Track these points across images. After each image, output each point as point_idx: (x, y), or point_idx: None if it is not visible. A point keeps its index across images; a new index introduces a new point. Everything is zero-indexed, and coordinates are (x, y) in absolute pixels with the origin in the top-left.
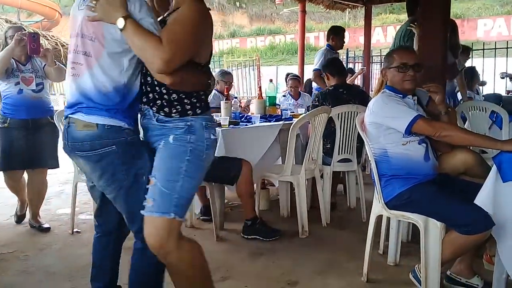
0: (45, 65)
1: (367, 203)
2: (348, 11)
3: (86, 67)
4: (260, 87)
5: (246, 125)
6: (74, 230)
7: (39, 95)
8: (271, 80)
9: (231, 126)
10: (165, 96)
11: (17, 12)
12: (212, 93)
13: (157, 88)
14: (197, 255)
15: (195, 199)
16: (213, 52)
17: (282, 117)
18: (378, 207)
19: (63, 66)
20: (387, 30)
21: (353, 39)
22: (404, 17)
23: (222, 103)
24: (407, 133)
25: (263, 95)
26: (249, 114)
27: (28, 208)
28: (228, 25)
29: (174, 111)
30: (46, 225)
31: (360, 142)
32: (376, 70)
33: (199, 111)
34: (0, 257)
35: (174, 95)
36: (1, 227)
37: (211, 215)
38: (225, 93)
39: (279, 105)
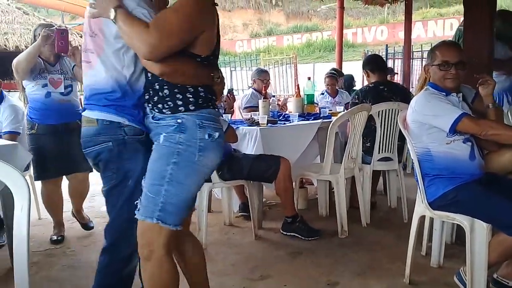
0: (74, 65)
1: (408, 203)
2: (387, 6)
3: (91, 64)
4: (298, 86)
5: (285, 123)
6: None
7: (67, 98)
8: (309, 78)
9: (269, 124)
10: (159, 92)
11: (61, 15)
12: (250, 92)
13: (152, 83)
14: (167, 282)
15: (234, 196)
16: (221, 47)
17: (321, 116)
18: (421, 208)
19: None
20: (427, 25)
21: (392, 35)
22: (446, 11)
23: (260, 101)
24: (452, 132)
25: (301, 93)
26: (287, 112)
27: (71, 205)
28: (264, 23)
29: (166, 107)
30: (91, 224)
31: (401, 140)
32: (416, 66)
33: (193, 107)
34: (47, 253)
35: (166, 91)
36: (48, 223)
37: (249, 211)
38: (263, 91)
39: (317, 103)
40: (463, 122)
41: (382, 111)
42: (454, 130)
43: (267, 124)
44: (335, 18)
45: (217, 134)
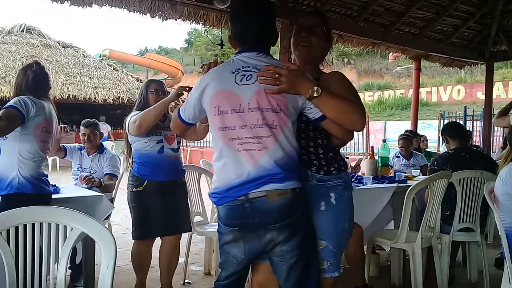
0: None
1: (491, 277)
2: (466, 67)
3: (273, 138)
4: (372, 148)
5: (358, 186)
6: (186, 281)
7: (177, 155)
8: (384, 140)
9: None
10: (322, 156)
11: (146, 71)
12: None
13: (312, 149)
14: None
15: None
16: None
17: (396, 179)
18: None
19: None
20: (508, 85)
21: (469, 94)
22: None
23: None
24: None
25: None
26: (360, 174)
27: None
28: None
29: (333, 168)
30: None
31: (484, 210)
32: (497, 128)
33: (344, 167)
34: None
35: (330, 154)
36: (121, 272)
37: None
38: None
39: (392, 166)
40: None
41: (464, 179)
42: None
43: None
44: (408, 76)
45: None
